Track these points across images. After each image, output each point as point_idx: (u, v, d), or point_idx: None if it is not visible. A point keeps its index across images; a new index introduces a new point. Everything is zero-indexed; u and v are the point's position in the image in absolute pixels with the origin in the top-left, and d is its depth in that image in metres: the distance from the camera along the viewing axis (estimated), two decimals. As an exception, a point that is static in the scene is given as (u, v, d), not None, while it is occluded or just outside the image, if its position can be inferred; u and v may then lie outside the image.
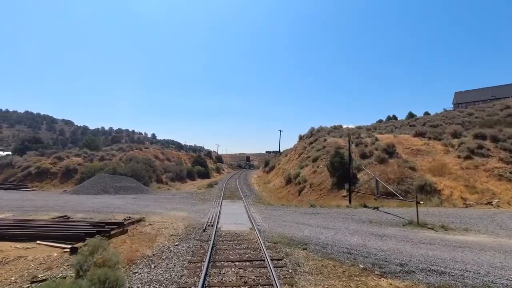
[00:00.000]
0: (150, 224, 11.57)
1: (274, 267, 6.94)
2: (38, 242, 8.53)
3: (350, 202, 18.02)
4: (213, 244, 8.87)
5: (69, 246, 8.00)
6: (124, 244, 8.88)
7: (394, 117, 69.45)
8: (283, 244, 8.98)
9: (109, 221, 10.75)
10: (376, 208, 15.86)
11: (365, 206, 16.59)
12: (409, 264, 7.25)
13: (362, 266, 7.16)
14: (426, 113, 59.88)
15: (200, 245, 8.93)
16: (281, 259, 7.64)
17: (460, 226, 11.38)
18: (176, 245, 8.94)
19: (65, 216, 12.55)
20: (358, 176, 22.43)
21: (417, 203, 11.76)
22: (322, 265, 7.22)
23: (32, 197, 21.04)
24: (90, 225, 9.74)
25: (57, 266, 7.01)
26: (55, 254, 7.75)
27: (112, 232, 9.32)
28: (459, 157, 22.90)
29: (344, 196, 20.51)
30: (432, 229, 10.95)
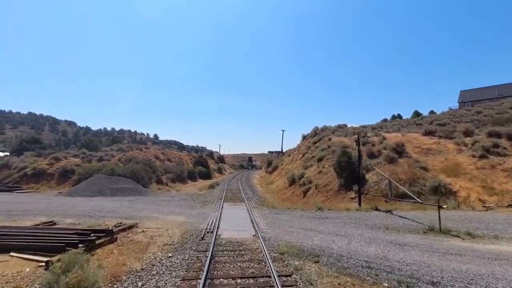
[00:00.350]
0: (143, 231, 10.50)
1: (282, 286, 5.85)
2: (11, 254, 7.49)
3: (360, 204, 16.87)
4: (211, 255, 7.79)
5: (45, 260, 6.95)
6: (110, 256, 7.82)
7: (399, 116, 68.10)
8: (292, 255, 7.87)
9: (96, 228, 9.70)
10: (389, 211, 14.69)
11: (376, 209, 15.43)
12: (442, 282, 6.12)
13: (386, 284, 6.04)
14: (432, 112, 58.55)
15: (197, 257, 7.85)
16: (290, 275, 6.53)
17: (487, 233, 10.20)
18: (170, 256, 7.86)
19: (51, 222, 11.52)
20: (367, 176, 21.26)
21: (439, 207, 10.58)
22: (339, 283, 6.11)
23: (24, 199, 20.08)
24: (74, 234, 8.69)
25: (27, 285, 5.96)
26: (28, 270, 6.70)
27: (97, 242, 8.26)
28: (473, 156, 21.69)
29: (352, 198, 19.36)
30: (458, 236, 9.78)
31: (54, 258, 6.76)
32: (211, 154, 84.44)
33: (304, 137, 45.98)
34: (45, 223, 11.25)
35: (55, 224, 11.33)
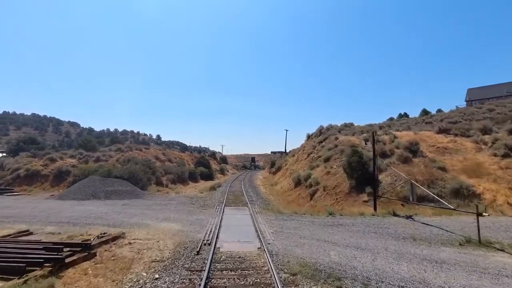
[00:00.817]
0: (130, 243, 9.02)
1: (299, 328, 4.34)
2: (-43, 277, 6.05)
3: (375, 209, 15.29)
4: (207, 277, 6.30)
5: (-4, 286, 5.50)
6: (82, 278, 6.35)
7: (406, 115, 66.26)
8: (306, 277, 6.36)
9: (72, 241, 8.24)
10: (410, 217, 13.11)
11: (394, 214, 13.85)
12: (512, 321, 4.57)
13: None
14: (439, 110, 56.74)
15: (189, 279, 6.36)
16: (307, 309, 5.02)
17: (536, 245, 8.59)
18: (156, 279, 6.38)
19: (26, 231, 10.10)
20: (380, 177, 19.65)
21: (478, 214, 8.96)
22: (374, 323, 4.58)
23: (11, 203, 18.73)
24: (43, 249, 7.24)
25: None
26: (-30, 301, 5.26)
27: (68, 260, 6.79)
28: (495, 155, 19.99)
29: (365, 201, 17.77)
30: (502, 250, 8.19)
31: (7, 285, 5.31)
32: (213, 154, 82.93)
33: (308, 137, 44.38)
34: (20, 232, 9.83)
35: (30, 234, 9.91)
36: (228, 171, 64.74)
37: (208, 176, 44.81)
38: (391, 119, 63.16)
